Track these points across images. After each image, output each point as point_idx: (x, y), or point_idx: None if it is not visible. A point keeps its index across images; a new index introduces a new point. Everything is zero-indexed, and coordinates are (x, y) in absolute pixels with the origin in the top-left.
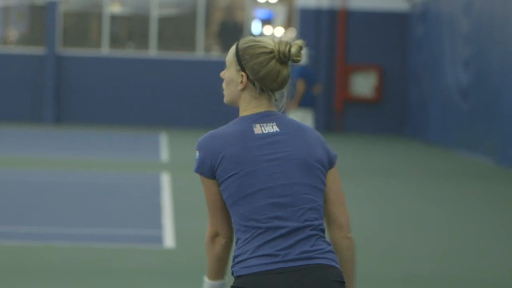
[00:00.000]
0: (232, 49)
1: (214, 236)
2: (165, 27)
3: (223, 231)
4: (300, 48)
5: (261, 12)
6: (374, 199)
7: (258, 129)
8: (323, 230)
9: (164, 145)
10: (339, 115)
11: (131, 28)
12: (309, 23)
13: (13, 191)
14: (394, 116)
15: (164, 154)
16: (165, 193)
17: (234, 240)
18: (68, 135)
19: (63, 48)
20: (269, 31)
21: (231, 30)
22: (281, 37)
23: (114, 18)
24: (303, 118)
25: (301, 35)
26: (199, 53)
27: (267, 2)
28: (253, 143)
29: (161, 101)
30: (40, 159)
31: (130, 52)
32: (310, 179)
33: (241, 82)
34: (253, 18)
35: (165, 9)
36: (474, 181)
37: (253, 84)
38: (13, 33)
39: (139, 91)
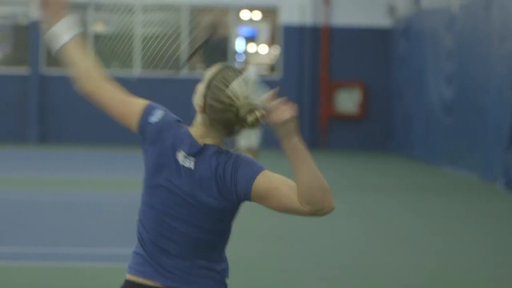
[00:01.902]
0: (212, 72)
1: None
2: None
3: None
4: (257, 120)
5: (244, 30)
6: (360, 215)
7: (180, 156)
8: (202, 264)
9: None
10: (324, 131)
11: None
12: (292, 40)
13: None
14: (378, 132)
15: None
16: None
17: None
18: (53, 154)
19: (47, 68)
20: (253, 48)
21: (215, 48)
22: (253, 95)
23: (98, 37)
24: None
25: (284, 52)
26: (183, 72)
27: (250, 20)
28: (172, 165)
29: None
30: (24, 179)
31: (114, 71)
32: (196, 221)
33: (199, 105)
34: (237, 35)
35: (149, 28)
36: (458, 196)
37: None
38: None
39: None
